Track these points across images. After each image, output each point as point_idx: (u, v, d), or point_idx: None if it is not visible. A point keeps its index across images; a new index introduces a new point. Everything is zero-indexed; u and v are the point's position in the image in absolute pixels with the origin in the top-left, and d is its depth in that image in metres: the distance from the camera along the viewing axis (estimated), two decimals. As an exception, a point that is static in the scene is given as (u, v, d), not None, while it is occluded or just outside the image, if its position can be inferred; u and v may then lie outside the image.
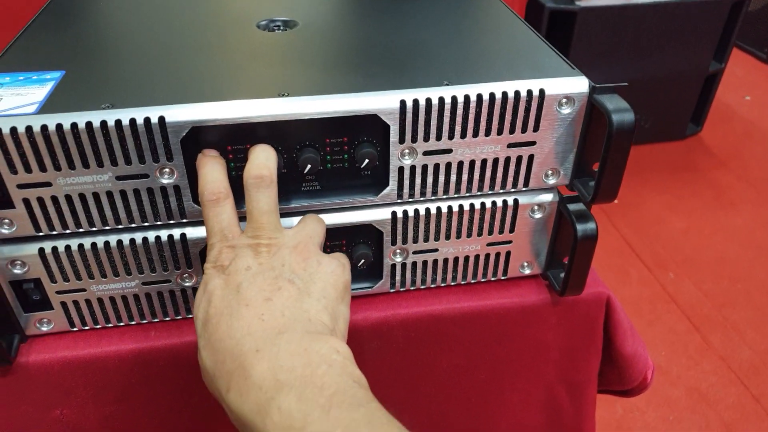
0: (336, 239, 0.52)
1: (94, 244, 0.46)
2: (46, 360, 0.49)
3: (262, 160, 0.42)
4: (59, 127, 0.41)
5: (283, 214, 0.49)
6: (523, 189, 0.52)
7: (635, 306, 1.51)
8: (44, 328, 0.50)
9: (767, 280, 1.60)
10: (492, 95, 0.46)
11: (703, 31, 1.83)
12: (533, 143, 0.49)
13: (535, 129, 0.48)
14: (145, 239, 0.47)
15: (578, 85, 0.47)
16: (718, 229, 1.78)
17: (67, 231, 0.45)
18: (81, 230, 0.46)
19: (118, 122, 0.41)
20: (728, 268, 1.64)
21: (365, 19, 0.61)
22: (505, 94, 0.46)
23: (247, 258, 0.40)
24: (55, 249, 0.46)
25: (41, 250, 0.46)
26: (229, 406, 0.34)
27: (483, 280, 0.57)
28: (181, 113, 0.42)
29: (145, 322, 0.52)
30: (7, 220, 0.44)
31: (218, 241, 0.41)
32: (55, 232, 0.45)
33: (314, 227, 0.44)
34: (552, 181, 0.52)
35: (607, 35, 1.76)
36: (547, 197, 0.53)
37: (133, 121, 0.42)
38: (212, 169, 0.42)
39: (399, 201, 0.50)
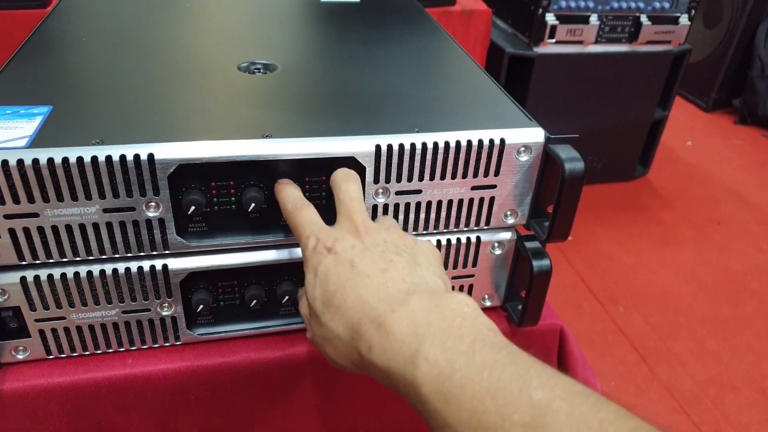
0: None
1: (76, 274, 0.48)
2: (20, 388, 0.50)
3: (348, 170, 0.48)
4: (50, 161, 0.43)
5: (260, 247, 0.52)
6: (485, 227, 0.56)
7: (588, 338, 1.58)
8: (20, 356, 0.51)
9: (707, 314, 1.69)
10: (458, 142, 0.51)
11: (649, 81, 1.96)
12: (494, 186, 0.54)
13: (496, 174, 0.53)
14: (127, 269, 0.49)
15: (535, 135, 0.52)
16: (664, 265, 1.88)
17: (51, 260, 0.47)
18: (64, 260, 0.47)
19: (109, 158, 0.44)
20: (672, 302, 1.73)
21: (340, 65, 0.65)
22: (469, 142, 0.51)
23: (350, 238, 0.43)
24: (37, 278, 0.47)
25: (23, 279, 0.47)
26: (374, 363, 0.37)
27: (447, 311, 0.60)
28: (170, 151, 0.45)
29: (122, 350, 0.53)
30: (-8, 250, 0.45)
31: (313, 232, 0.44)
32: (38, 261, 0.47)
33: (393, 220, 0.48)
34: (511, 220, 0.56)
35: (563, 80, 1.87)
36: (506, 235, 0.57)
37: (123, 157, 0.44)
38: (291, 189, 0.48)
39: (371, 236, 0.53)
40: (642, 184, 2.27)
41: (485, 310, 0.62)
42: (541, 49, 1.81)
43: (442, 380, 0.34)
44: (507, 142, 0.51)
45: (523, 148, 0.52)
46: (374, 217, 0.52)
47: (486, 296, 0.60)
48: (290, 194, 0.47)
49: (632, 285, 1.78)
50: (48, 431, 0.52)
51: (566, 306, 1.64)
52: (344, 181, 0.46)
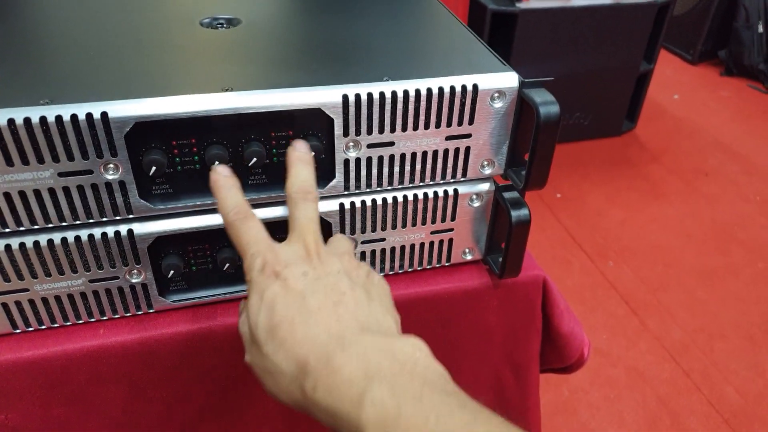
0: (284, 232, 0.53)
1: (36, 243, 0.46)
2: (-12, 363, 0.49)
3: (307, 177, 0.44)
4: (-3, 123, 0.40)
5: (231, 208, 0.50)
6: (462, 179, 0.54)
7: (578, 294, 1.58)
8: (-15, 331, 0.49)
9: (695, 265, 1.70)
10: (429, 90, 0.48)
11: (633, 33, 1.93)
12: (469, 135, 0.52)
13: (470, 122, 0.51)
14: (90, 236, 0.47)
15: (508, 79, 0.50)
16: (653, 219, 1.88)
17: (7, 230, 0.45)
18: (22, 228, 0.45)
19: (59, 118, 0.41)
20: (662, 255, 1.73)
21: (308, 17, 0.62)
22: (441, 90, 0.49)
23: (301, 264, 0.40)
24: (-5, 248, 0.45)
25: (-20, 250, 0.45)
26: (318, 403, 0.35)
27: (428, 267, 0.59)
28: (124, 108, 0.43)
29: (93, 320, 0.52)
30: (-57, 220, 0.43)
31: (260, 251, 0.40)
32: (-5, 231, 0.45)
33: (347, 243, 0.45)
34: (488, 171, 0.54)
35: (547, 36, 1.84)
36: (484, 186, 0.55)
37: (74, 116, 0.42)
38: (230, 191, 0.42)
39: (346, 193, 0.52)
40: (629, 139, 2.26)
41: (466, 264, 0.62)
42: (524, 5, 1.77)
43: (387, 423, 0.32)
44: (480, 87, 0.49)
45: (497, 94, 0.50)
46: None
47: (467, 250, 0.59)
48: (231, 199, 0.42)
49: (621, 240, 1.78)
50: (19, 407, 0.50)
51: (555, 262, 1.64)
52: (302, 200, 0.43)
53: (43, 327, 0.51)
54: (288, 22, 0.61)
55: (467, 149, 0.52)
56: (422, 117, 0.49)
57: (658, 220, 1.88)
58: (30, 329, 0.50)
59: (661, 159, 2.17)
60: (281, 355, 0.37)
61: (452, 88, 0.49)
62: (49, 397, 0.51)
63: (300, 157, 0.45)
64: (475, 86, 0.49)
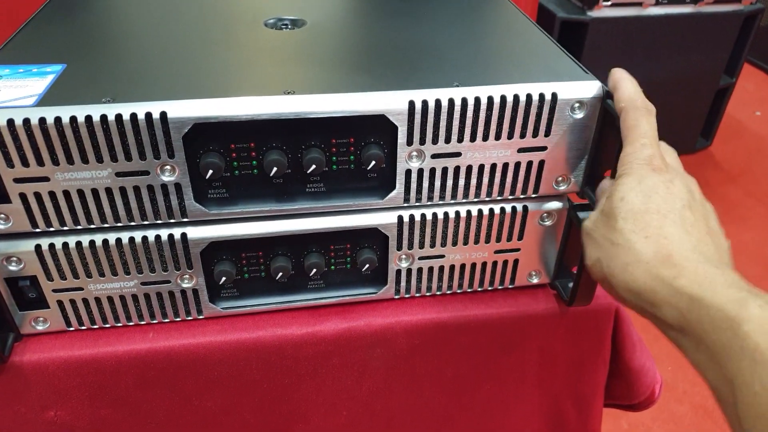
0: (340, 243, 0.51)
1: (92, 242, 0.45)
2: (41, 360, 0.48)
3: (641, 92, 0.45)
4: (58, 120, 0.40)
5: (285, 216, 0.48)
6: (533, 195, 0.50)
7: (641, 319, 1.49)
8: (40, 327, 0.49)
9: (777, 297, 1.57)
10: (503, 98, 0.45)
11: (714, 45, 1.81)
12: (544, 148, 0.48)
13: (547, 134, 0.47)
14: (144, 238, 0.46)
15: (591, 88, 0.46)
16: (727, 243, 1.75)
17: (65, 228, 0.44)
18: (79, 227, 0.45)
19: (119, 117, 0.40)
20: (737, 284, 1.61)
21: (374, 19, 0.60)
22: (516, 97, 0.45)
23: (681, 177, 0.42)
24: (52, 246, 0.45)
25: (38, 247, 0.45)
26: (676, 288, 0.36)
27: (490, 288, 0.55)
28: (183, 109, 0.41)
29: (143, 323, 0.51)
30: (2, 215, 0.43)
31: (652, 144, 0.42)
32: (52, 229, 0.44)
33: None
34: (562, 187, 0.50)
35: (618, 46, 1.75)
36: (557, 204, 0.51)
37: (134, 115, 0.41)
38: (636, 84, 0.45)
39: (406, 205, 0.49)
40: (704, 158, 2.13)
41: (532, 287, 0.58)
42: (595, 13, 1.69)
43: None
44: (559, 96, 0.45)
45: (577, 104, 0.46)
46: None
47: (533, 272, 0.55)
48: (638, 90, 0.44)
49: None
50: (69, 405, 0.50)
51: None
52: (648, 113, 0.43)
53: (95, 327, 0.50)
54: (353, 24, 0.59)
55: (541, 163, 0.48)
56: (494, 127, 0.46)
57: (733, 245, 1.75)
58: (83, 328, 0.50)
59: (739, 180, 2.03)
60: (640, 237, 0.38)
61: (528, 96, 0.45)
62: (98, 397, 0.50)
63: (626, 75, 0.45)
64: (554, 95, 0.45)
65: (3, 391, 0.49)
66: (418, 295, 0.54)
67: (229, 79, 0.47)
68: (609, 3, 1.66)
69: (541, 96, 0.45)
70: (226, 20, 0.58)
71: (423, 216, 0.49)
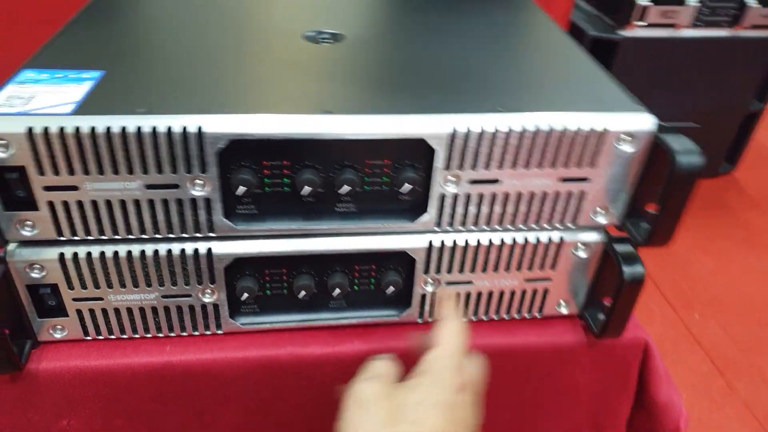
0: (366, 264, 0.49)
1: (115, 253, 0.44)
2: (57, 368, 0.47)
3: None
4: (92, 130, 0.39)
5: (313, 234, 0.47)
6: (570, 226, 0.49)
7: (658, 345, 1.46)
8: (57, 335, 0.48)
9: (798, 329, 1.54)
10: (550, 127, 0.43)
11: (746, 70, 1.78)
12: (587, 179, 0.46)
13: (592, 165, 0.45)
14: (169, 251, 0.45)
15: (642, 122, 0.44)
16: (748, 270, 1.72)
17: (90, 237, 0.43)
18: (104, 237, 0.43)
19: (154, 129, 0.39)
20: (757, 312, 1.58)
21: (414, 35, 0.58)
22: (564, 127, 0.43)
23: None
24: (75, 255, 0.44)
25: (61, 255, 0.44)
26: None
27: (516, 316, 0.53)
28: (220, 124, 0.40)
29: (161, 335, 0.50)
30: (29, 222, 0.42)
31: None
32: (76, 238, 0.43)
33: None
34: (601, 219, 0.48)
35: (648, 67, 1.72)
36: (594, 236, 0.50)
37: (169, 128, 0.39)
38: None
39: (436, 229, 0.47)
40: (727, 182, 2.09)
41: (559, 317, 0.56)
42: (627, 32, 1.67)
43: None
44: (609, 129, 0.44)
45: (627, 137, 0.44)
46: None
47: (562, 302, 0.53)
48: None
49: (710, 290, 1.64)
50: (82, 415, 0.49)
51: (635, 310, 1.53)
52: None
53: (112, 337, 0.49)
54: (394, 41, 0.58)
55: (581, 194, 0.47)
56: (536, 155, 0.44)
57: (754, 272, 1.72)
58: (100, 338, 0.49)
59: (763, 206, 1.99)
60: None
61: (577, 127, 0.43)
62: (112, 408, 0.49)
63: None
64: (604, 127, 0.43)
65: (18, 397, 0.48)
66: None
67: (267, 94, 0.45)
68: (642, 23, 1.64)
69: (591, 127, 0.43)
70: (265, 32, 0.57)
71: (454, 241, 0.48)
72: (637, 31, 1.66)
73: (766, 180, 2.15)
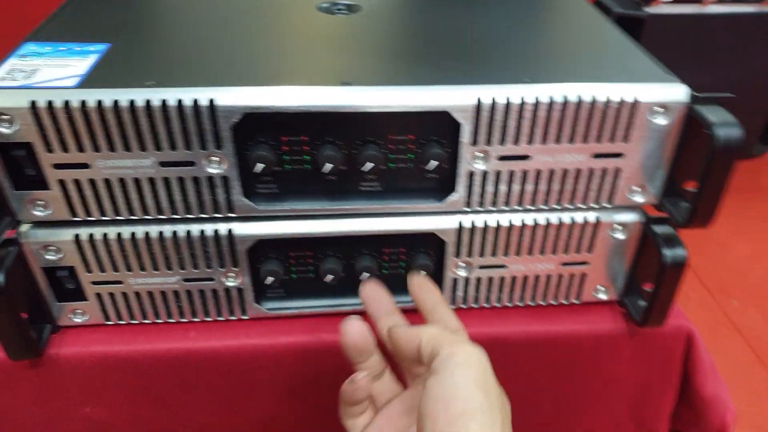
0: (394, 247, 0.47)
1: (133, 234, 0.43)
2: (78, 353, 0.46)
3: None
4: (99, 103, 0.37)
5: (338, 215, 0.45)
6: (606, 206, 0.46)
7: (715, 344, 1.41)
8: (78, 320, 0.47)
9: (844, 317, 1.47)
10: (580, 98, 0.40)
11: (780, 46, 1.70)
12: (621, 155, 0.43)
13: (625, 139, 0.42)
14: (188, 232, 0.43)
15: (676, 92, 0.41)
16: (789, 256, 1.65)
17: (105, 218, 0.42)
18: (120, 218, 0.42)
19: (164, 102, 0.38)
20: (799, 300, 1.52)
21: (435, 6, 0.56)
22: (594, 98, 0.40)
23: None
24: (91, 236, 0.43)
25: (77, 237, 0.43)
26: None
27: (553, 302, 0.51)
28: (233, 96, 0.38)
29: (184, 321, 0.48)
30: (41, 202, 0.41)
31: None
32: (92, 219, 0.42)
33: None
34: (638, 198, 0.45)
35: (675, 44, 1.66)
36: (632, 216, 0.47)
37: (180, 102, 0.38)
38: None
39: (467, 209, 0.45)
40: (762, 164, 2.01)
41: (598, 304, 0.53)
42: (653, 9, 1.61)
43: None
44: (641, 100, 0.41)
45: (660, 109, 0.41)
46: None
47: (601, 288, 0.50)
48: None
49: (748, 277, 1.58)
50: (106, 402, 0.48)
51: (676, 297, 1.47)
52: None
53: (134, 322, 0.48)
54: (411, 11, 0.55)
55: (617, 171, 0.44)
56: (567, 128, 0.42)
57: (793, 257, 1.65)
58: (122, 323, 0.48)
59: (802, 189, 1.91)
60: None
61: (608, 98, 0.40)
62: (136, 396, 0.48)
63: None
64: (635, 97, 0.40)
65: (38, 384, 0.47)
66: (475, 306, 0.50)
67: (282, 66, 0.43)
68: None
69: (621, 98, 0.40)
70: (278, 3, 0.55)
71: (485, 222, 0.45)
72: (662, 7, 1.60)
73: (807, 161, 2.06)
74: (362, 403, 0.39)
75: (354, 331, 0.39)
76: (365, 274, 0.47)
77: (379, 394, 0.40)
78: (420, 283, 0.43)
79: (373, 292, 0.43)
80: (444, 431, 0.31)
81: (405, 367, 0.40)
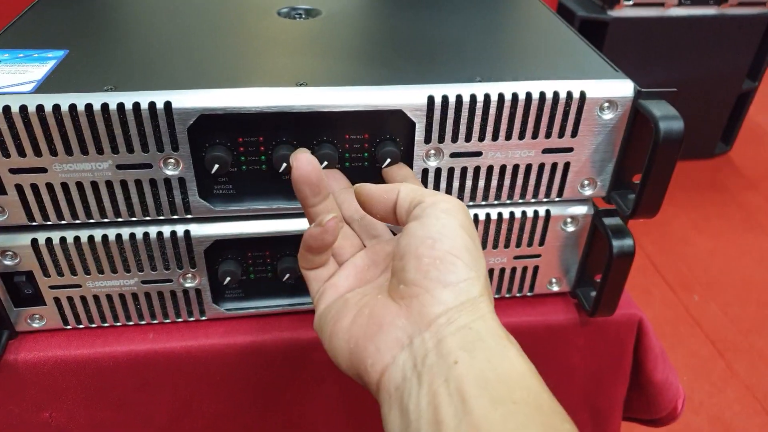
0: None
1: (91, 237, 0.43)
2: (37, 358, 0.46)
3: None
4: (56, 108, 0.37)
5: (295, 214, 0.46)
6: (556, 199, 0.48)
7: (657, 327, 1.45)
8: (36, 325, 0.47)
9: (797, 308, 1.53)
10: (528, 95, 0.42)
11: (737, 48, 1.77)
12: (570, 150, 0.45)
13: (573, 134, 0.44)
14: (145, 234, 0.44)
15: (622, 88, 0.43)
16: (746, 251, 1.71)
17: (63, 222, 0.42)
18: (77, 222, 0.42)
19: (121, 106, 0.38)
20: (756, 293, 1.57)
21: (393, 11, 0.57)
22: (542, 95, 0.42)
23: None
24: (49, 240, 0.43)
25: (34, 241, 0.43)
26: None
27: (507, 295, 0.52)
28: (189, 99, 0.39)
29: (143, 323, 0.49)
30: (-3, 207, 0.41)
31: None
32: (49, 223, 0.42)
33: None
34: (588, 192, 0.47)
35: (639, 47, 1.71)
36: (582, 209, 0.48)
37: (136, 105, 0.38)
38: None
39: (421, 206, 0.46)
40: (723, 163, 2.08)
41: (551, 295, 0.55)
42: (616, 12, 1.66)
43: None
44: (588, 95, 0.43)
45: (607, 104, 0.43)
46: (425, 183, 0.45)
47: (553, 280, 0.52)
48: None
49: (709, 272, 1.63)
50: (65, 407, 0.48)
51: (634, 291, 1.51)
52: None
53: (93, 326, 0.48)
54: (370, 15, 0.56)
55: (566, 165, 0.46)
56: (518, 125, 0.43)
57: (751, 252, 1.71)
58: (80, 326, 0.48)
59: (759, 186, 1.98)
60: None
61: (555, 94, 0.42)
62: (95, 399, 0.48)
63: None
64: (582, 93, 0.42)
65: (-4, 390, 0.47)
66: (431, 301, 0.51)
67: (239, 69, 0.44)
68: (630, 2, 1.62)
69: (569, 94, 0.42)
70: (238, 8, 0.56)
71: (439, 218, 0.47)
72: (625, 10, 1.65)
73: (761, 159, 2.14)
74: (326, 252, 0.37)
75: (304, 162, 0.36)
76: None
77: (341, 248, 0.39)
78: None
79: (325, 172, 0.40)
80: (429, 268, 0.31)
81: (363, 226, 0.40)
